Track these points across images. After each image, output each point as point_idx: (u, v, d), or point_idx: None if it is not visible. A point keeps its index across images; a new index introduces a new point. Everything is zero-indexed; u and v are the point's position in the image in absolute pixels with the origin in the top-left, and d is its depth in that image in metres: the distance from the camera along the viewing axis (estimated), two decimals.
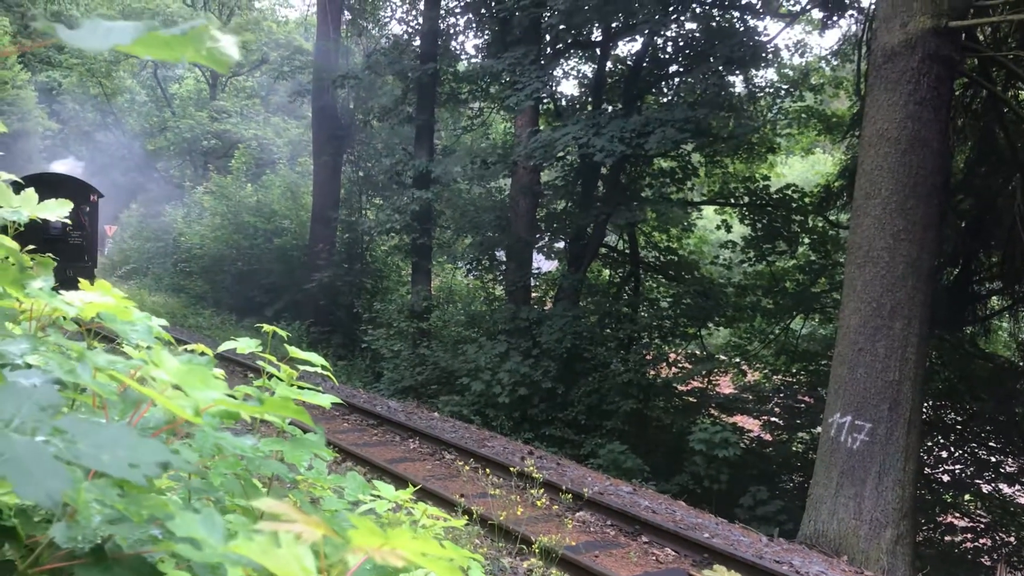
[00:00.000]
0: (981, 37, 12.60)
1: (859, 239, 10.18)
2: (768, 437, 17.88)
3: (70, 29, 0.62)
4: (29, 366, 1.11)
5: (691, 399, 17.66)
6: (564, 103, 19.77)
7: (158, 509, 0.70)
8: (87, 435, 0.61)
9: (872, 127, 10.12)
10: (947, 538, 15.54)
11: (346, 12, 23.60)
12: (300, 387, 1.86)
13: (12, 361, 1.12)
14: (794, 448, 17.43)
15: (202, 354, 2.21)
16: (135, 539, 0.80)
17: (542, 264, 21.17)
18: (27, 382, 1.13)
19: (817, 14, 18.42)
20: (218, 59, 0.62)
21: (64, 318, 1.70)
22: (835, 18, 17.56)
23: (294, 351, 2.07)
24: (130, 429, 0.62)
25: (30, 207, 1.84)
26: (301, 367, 2.07)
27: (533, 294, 19.34)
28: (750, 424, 18.40)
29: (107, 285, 1.57)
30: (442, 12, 20.68)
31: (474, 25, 20.59)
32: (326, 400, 1.87)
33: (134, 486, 0.69)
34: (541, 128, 17.63)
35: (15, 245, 1.47)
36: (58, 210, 1.90)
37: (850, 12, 17.45)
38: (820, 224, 18.06)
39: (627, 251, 19.55)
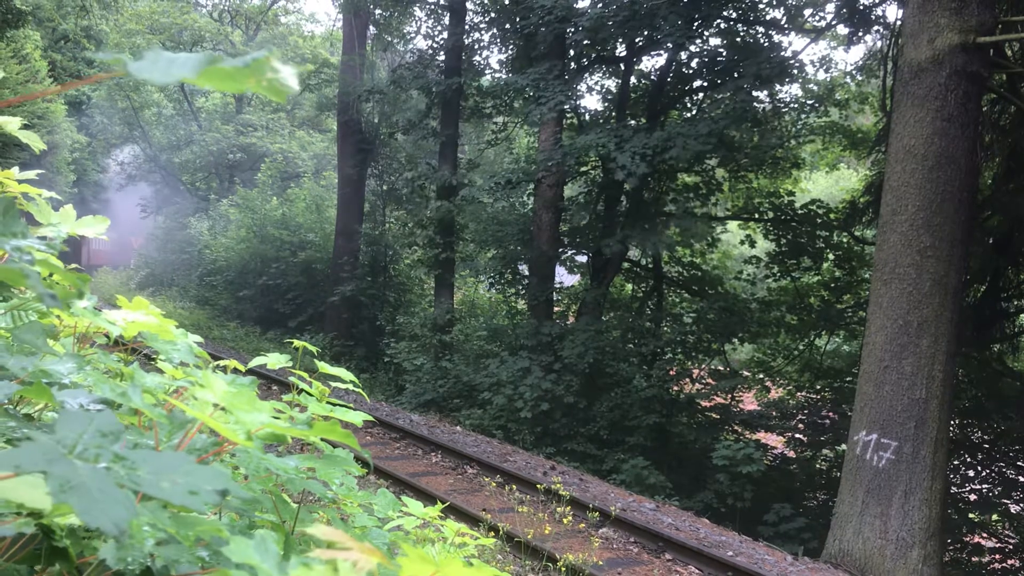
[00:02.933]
0: (1009, 53, 12.50)
1: (885, 255, 10.10)
2: (792, 454, 17.73)
3: (135, 60, 0.63)
4: (76, 385, 1.13)
5: (714, 415, 17.55)
6: (587, 118, 19.79)
7: (211, 533, 0.70)
8: (147, 461, 0.62)
9: (899, 143, 10.05)
10: (974, 559, 15.32)
11: (372, 27, 23.78)
12: (332, 404, 1.87)
13: (60, 380, 1.14)
14: (818, 465, 17.28)
15: (235, 370, 2.23)
16: (184, 561, 0.81)
17: (564, 278, 21.16)
18: (74, 401, 1.16)
19: (843, 30, 18.36)
20: (278, 89, 0.63)
21: (107, 336, 1.72)
22: (860, 34, 17.50)
23: (324, 367, 2.09)
24: (188, 456, 0.63)
25: (69, 223, 1.86)
26: (332, 383, 2.09)
27: (555, 308, 19.31)
28: (773, 441, 18.26)
29: (144, 302, 1.59)
30: (467, 27, 20.80)
31: (498, 40, 20.68)
32: (358, 417, 1.87)
33: (182, 508, 0.70)
34: (565, 141, 17.67)
35: (59, 264, 1.49)
36: (96, 226, 1.92)
37: (876, 28, 17.38)
38: (845, 240, 17.94)
39: (650, 266, 19.50)
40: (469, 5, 20.92)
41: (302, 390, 2.00)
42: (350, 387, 2.08)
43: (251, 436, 0.85)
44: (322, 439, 1.73)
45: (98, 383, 1.14)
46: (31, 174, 1.96)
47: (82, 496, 0.54)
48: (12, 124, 1.96)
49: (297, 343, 2.40)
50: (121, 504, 0.54)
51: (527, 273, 19.37)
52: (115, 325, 1.29)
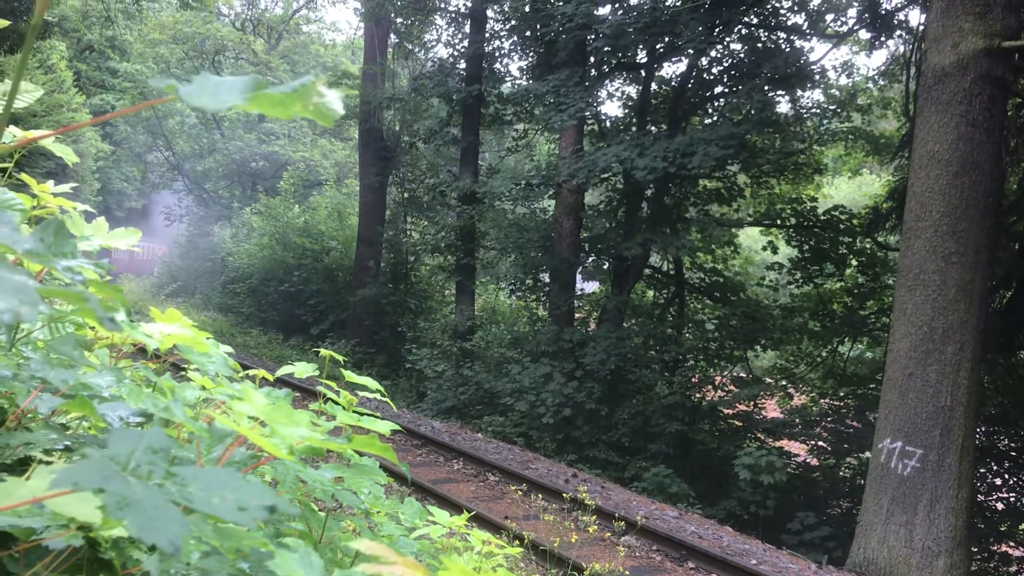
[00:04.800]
0: None
1: (909, 261, 10.03)
2: (815, 462, 17.61)
3: (185, 85, 0.65)
4: (116, 398, 1.16)
5: (737, 423, 17.46)
6: (608, 124, 19.79)
7: (256, 546, 0.72)
8: (197, 478, 0.64)
9: (923, 148, 9.99)
10: (1002, 568, 15.14)
11: (393, 36, 23.90)
12: (359, 413, 1.89)
13: (99, 393, 1.17)
14: (842, 473, 17.14)
15: (263, 379, 2.26)
16: (225, 573, 0.82)
17: (585, 284, 21.15)
18: (114, 415, 1.18)
19: (864, 35, 18.27)
20: (324, 114, 0.65)
21: (133, 345, 1.75)
22: (883, 39, 17.40)
23: (350, 375, 2.10)
24: (236, 472, 0.65)
25: (101, 235, 1.89)
26: (358, 392, 2.11)
27: (577, 315, 19.30)
28: (796, 448, 18.14)
29: (177, 314, 1.62)
30: (487, 35, 20.87)
31: (519, 47, 20.73)
32: (385, 427, 1.89)
33: (224, 521, 0.72)
34: (586, 148, 17.67)
35: (95, 275, 1.52)
36: (128, 238, 1.95)
37: (898, 33, 17.28)
38: (869, 246, 17.83)
39: (672, 272, 19.45)
40: (490, 13, 20.99)
41: (329, 399, 2.02)
42: (376, 396, 2.10)
43: (293, 450, 0.87)
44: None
45: (138, 396, 1.17)
46: (66, 187, 1.99)
47: (138, 513, 0.56)
48: (37, 133, 1.99)
49: (323, 352, 2.43)
50: (175, 521, 0.56)
51: (548, 280, 19.38)
52: (151, 338, 1.31)
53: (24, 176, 1.93)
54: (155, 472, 0.63)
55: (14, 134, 1.64)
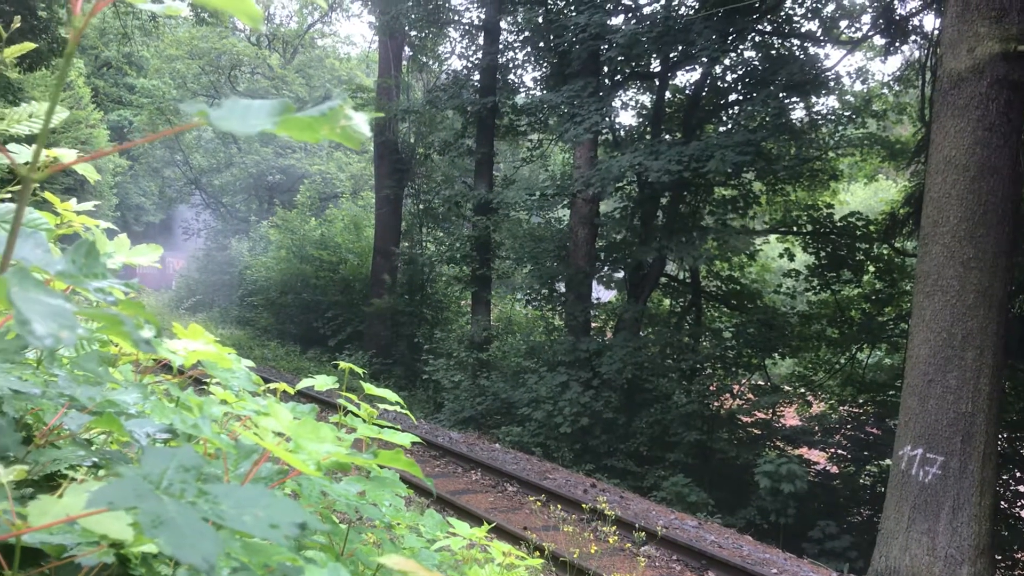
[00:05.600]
0: None
1: (927, 267, 9.97)
2: (835, 470, 17.49)
3: (215, 110, 0.66)
4: (142, 414, 1.17)
5: (756, 431, 17.38)
6: (623, 133, 19.79)
7: (284, 561, 0.73)
8: (228, 496, 0.65)
9: (939, 154, 9.94)
10: None
11: (407, 48, 24.02)
12: (379, 426, 1.90)
13: (126, 410, 1.18)
14: (862, 481, 17.02)
15: (283, 392, 2.27)
16: None
17: (601, 294, 21.11)
18: (141, 431, 1.19)
19: (879, 40, 18.21)
20: (351, 136, 0.66)
21: (155, 361, 1.76)
22: (897, 44, 17.34)
23: (369, 388, 2.12)
24: (265, 489, 0.66)
25: (123, 252, 1.91)
26: (377, 404, 2.12)
27: (593, 324, 19.27)
28: (816, 456, 18.03)
29: (200, 329, 1.63)
30: (501, 47, 20.94)
31: (533, 59, 20.79)
32: (406, 439, 1.89)
33: (251, 536, 0.73)
34: (600, 158, 17.67)
35: (120, 294, 1.54)
36: (149, 255, 1.97)
37: (913, 38, 17.22)
38: (886, 252, 17.73)
39: (688, 280, 19.40)
40: (503, 25, 21.08)
41: (349, 411, 2.04)
42: (395, 408, 2.12)
43: (320, 466, 0.88)
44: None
45: (163, 412, 1.18)
46: (88, 205, 2.01)
47: (172, 532, 0.57)
48: (68, 156, 2.02)
49: (342, 364, 2.45)
50: (209, 539, 0.57)
51: (563, 290, 19.37)
52: (176, 354, 1.33)
53: (47, 195, 1.95)
54: (187, 490, 0.64)
55: (44, 155, 1.66)
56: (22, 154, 1.64)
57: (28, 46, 1.54)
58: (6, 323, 1.08)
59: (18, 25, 1.53)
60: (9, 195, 1.73)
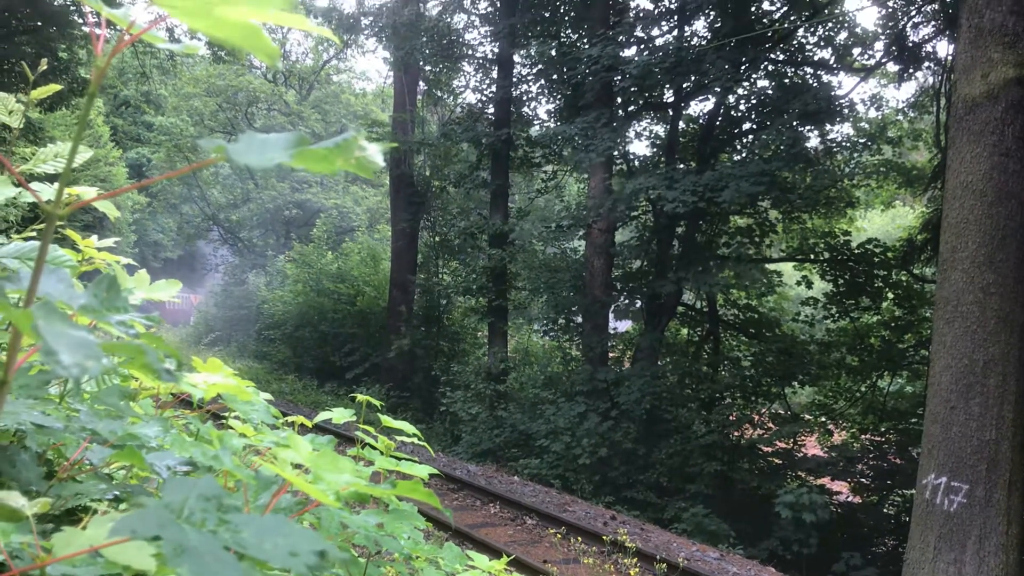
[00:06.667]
0: None
1: (947, 293, 9.90)
2: (858, 499, 17.28)
3: (232, 144, 0.68)
4: (163, 448, 1.18)
5: (776, 460, 17.21)
6: (637, 164, 19.86)
7: None
8: (249, 524, 0.65)
9: (956, 179, 9.91)
10: None
11: (422, 83, 24.26)
12: (397, 458, 1.90)
13: (147, 443, 1.19)
14: (886, 510, 16.80)
15: (302, 426, 2.28)
16: None
17: (618, 323, 21.06)
18: (162, 464, 1.20)
19: (892, 67, 18.24)
20: (366, 167, 0.68)
21: (173, 395, 1.78)
22: (911, 70, 17.37)
23: (387, 420, 2.12)
24: (285, 518, 0.67)
25: (143, 288, 1.93)
26: (395, 436, 2.13)
27: (610, 354, 19.21)
28: (838, 486, 17.83)
29: (219, 363, 1.65)
30: (514, 79, 21.12)
31: (546, 91, 20.96)
32: (424, 471, 1.90)
33: (268, 566, 0.73)
34: (614, 187, 17.73)
35: (141, 328, 1.55)
36: (169, 290, 1.99)
37: (926, 64, 17.25)
38: (904, 278, 17.63)
39: (705, 309, 19.34)
40: (516, 58, 21.27)
41: (367, 444, 2.04)
42: (412, 440, 2.12)
43: (339, 497, 0.88)
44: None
45: (182, 446, 1.19)
46: (109, 242, 2.04)
47: (195, 560, 0.57)
48: (89, 193, 2.05)
49: (360, 397, 2.46)
50: (231, 567, 0.57)
51: (580, 320, 19.34)
52: (196, 388, 1.34)
53: (68, 232, 1.98)
54: (208, 519, 0.65)
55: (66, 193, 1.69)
56: (44, 192, 1.67)
57: (53, 88, 1.57)
58: (28, 359, 1.10)
59: (44, 68, 1.56)
60: (34, 233, 1.76)
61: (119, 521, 0.60)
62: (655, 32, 18.44)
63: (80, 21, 20.11)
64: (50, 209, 0.71)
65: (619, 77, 16.55)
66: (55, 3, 19.13)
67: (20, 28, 20.22)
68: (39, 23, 20.17)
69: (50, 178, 1.91)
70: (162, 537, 0.59)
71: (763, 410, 17.90)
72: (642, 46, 18.02)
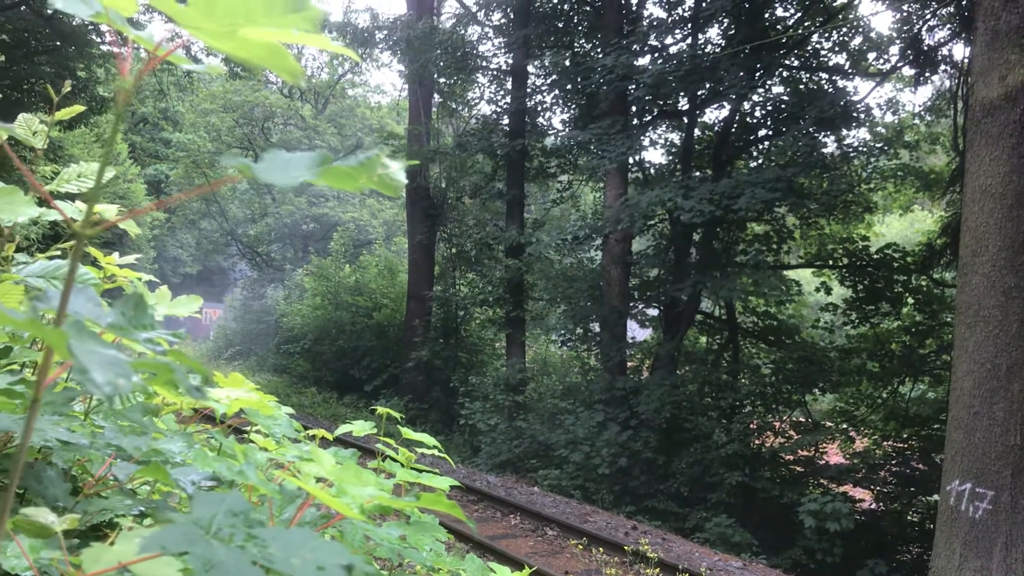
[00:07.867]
0: None
1: (968, 298, 9.82)
2: (881, 507, 17.12)
3: (257, 163, 0.69)
4: (187, 463, 1.19)
5: (798, 468, 17.08)
6: (652, 172, 19.84)
7: None
8: (276, 539, 0.66)
9: (974, 183, 9.84)
10: None
11: (436, 95, 24.36)
12: (418, 470, 1.91)
13: (172, 459, 1.20)
14: (910, 518, 16.64)
15: (322, 439, 2.29)
16: None
17: (636, 332, 21.00)
18: (186, 479, 1.21)
19: (908, 71, 18.16)
20: (388, 184, 0.68)
21: (195, 411, 1.79)
22: (927, 74, 17.28)
23: (407, 432, 2.13)
24: (312, 532, 0.67)
25: (165, 304, 1.95)
26: (415, 448, 2.13)
27: (629, 363, 19.16)
28: (861, 493, 17.68)
29: (241, 378, 1.66)
30: (529, 90, 21.17)
31: (561, 101, 21.00)
32: (444, 483, 1.90)
33: None
34: (630, 196, 17.71)
35: (167, 344, 1.57)
36: (190, 306, 2.00)
37: (943, 68, 17.15)
38: (924, 283, 17.50)
39: (724, 317, 19.25)
40: (531, 69, 21.33)
41: (387, 456, 2.05)
42: (434, 452, 2.13)
43: (363, 510, 0.89)
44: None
45: (206, 461, 1.20)
46: (130, 259, 2.06)
47: (223, 575, 0.58)
48: (111, 211, 2.07)
49: (380, 410, 2.47)
50: None
51: (598, 329, 19.30)
52: (219, 403, 1.35)
53: (91, 249, 2.00)
54: (236, 534, 0.66)
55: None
56: (68, 211, 1.69)
57: (77, 108, 1.59)
58: (55, 377, 1.11)
59: (68, 89, 1.58)
60: (59, 252, 1.78)
61: (148, 537, 0.61)
62: (669, 40, 18.45)
63: (98, 40, 20.33)
64: (79, 228, 0.72)
65: (633, 86, 16.56)
66: (73, 23, 19.32)
67: (39, 48, 20.46)
68: (58, 43, 20.40)
69: (72, 197, 1.94)
70: (191, 553, 0.60)
71: (784, 418, 17.78)
72: (656, 55, 18.03)
